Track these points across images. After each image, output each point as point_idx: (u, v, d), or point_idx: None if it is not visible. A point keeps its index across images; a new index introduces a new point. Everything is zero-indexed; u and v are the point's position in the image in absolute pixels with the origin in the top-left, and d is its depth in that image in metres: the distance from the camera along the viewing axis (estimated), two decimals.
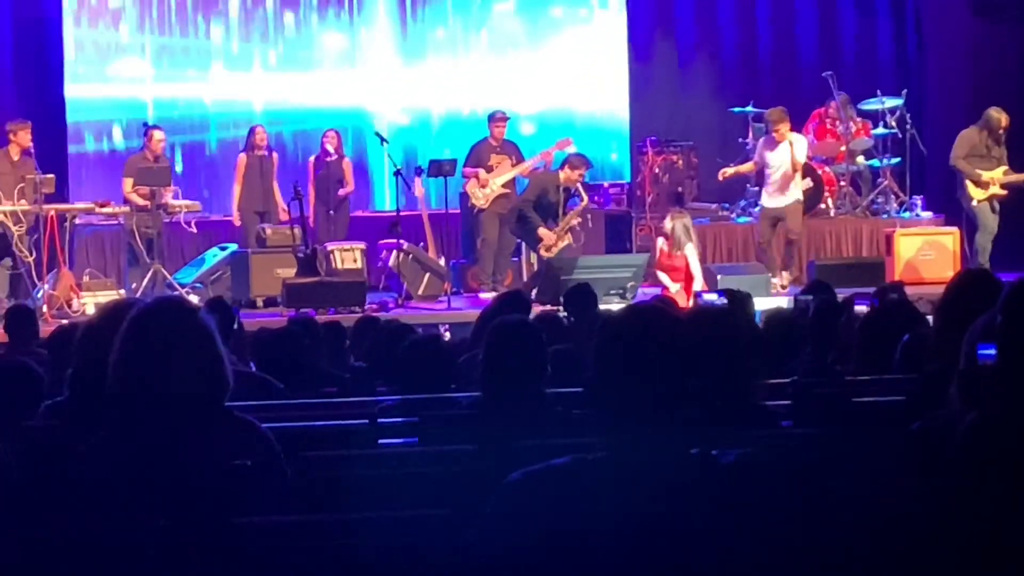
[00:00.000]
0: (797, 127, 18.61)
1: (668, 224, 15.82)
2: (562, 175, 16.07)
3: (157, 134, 16.28)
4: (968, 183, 16.24)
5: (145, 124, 16.86)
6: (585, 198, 16.33)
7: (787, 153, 16.25)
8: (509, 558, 3.12)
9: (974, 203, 16.26)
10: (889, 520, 3.32)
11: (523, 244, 16.85)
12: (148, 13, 18.92)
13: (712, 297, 10.43)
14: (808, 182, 17.90)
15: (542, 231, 15.93)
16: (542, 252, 16.04)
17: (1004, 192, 16.22)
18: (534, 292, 15.08)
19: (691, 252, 15.64)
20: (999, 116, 16.17)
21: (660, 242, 15.88)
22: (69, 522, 3.93)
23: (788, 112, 16.66)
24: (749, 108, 18.49)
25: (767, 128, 18.04)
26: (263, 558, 3.81)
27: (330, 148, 17.08)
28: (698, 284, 15.40)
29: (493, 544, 3.17)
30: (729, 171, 17.03)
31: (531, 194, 16.11)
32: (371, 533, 4.00)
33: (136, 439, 4.05)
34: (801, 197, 16.61)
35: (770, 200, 16.50)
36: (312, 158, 17.24)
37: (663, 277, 15.70)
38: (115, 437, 4.09)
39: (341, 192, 17.13)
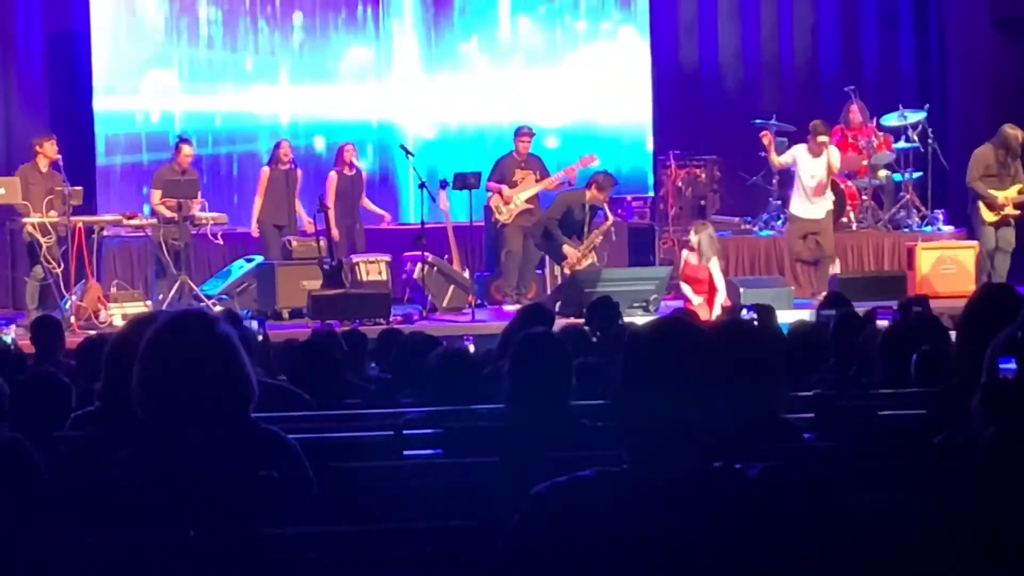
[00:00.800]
0: None
1: (694, 237, 15.78)
2: (588, 194, 16.09)
3: (186, 148, 16.33)
4: (981, 204, 16.16)
5: (179, 136, 16.90)
6: (611, 218, 16.37)
7: (825, 164, 16.26)
8: (537, 570, 3.12)
9: (984, 224, 16.21)
10: (912, 533, 3.32)
11: (547, 257, 16.86)
12: (176, 27, 18.97)
13: (743, 313, 10.44)
14: (830, 195, 17.90)
15: (567, 248, 15.97)
16: (565, 270, 16.08)
17: (1017, 212, 16.12)
18: (558, 305, 15.11)
19: (715, 265, 15.62)
20: (1015, 132, 16.05)
21: (685, 254, 15.85)
22: (98, 531, 3.94)
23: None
24: (772, 122, 18.46)
25: (788, 142, 18.06)
26: (289, 569, 3.81)
27: (350, 161, 17.11)
28: (721, 297, 15.39)
29: (519, 556, 3.17)
30: (767, 139, 16.91)
31: (557, 212, 16.15)
32: (396, 544, 4.01)
33: (164, 450, 4.06)
34: (832, 207, 16.60)
35: (804, 210, 16.44)
36: (332, 172, 17.22)
37: (686, 289, 15.66)
38: (144, 448, 4.10)
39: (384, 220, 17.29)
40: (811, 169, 16.32)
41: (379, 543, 4.03)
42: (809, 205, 16.40)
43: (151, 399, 4.07)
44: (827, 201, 16.52)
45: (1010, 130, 16.11)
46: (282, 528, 3.93)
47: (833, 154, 16.43)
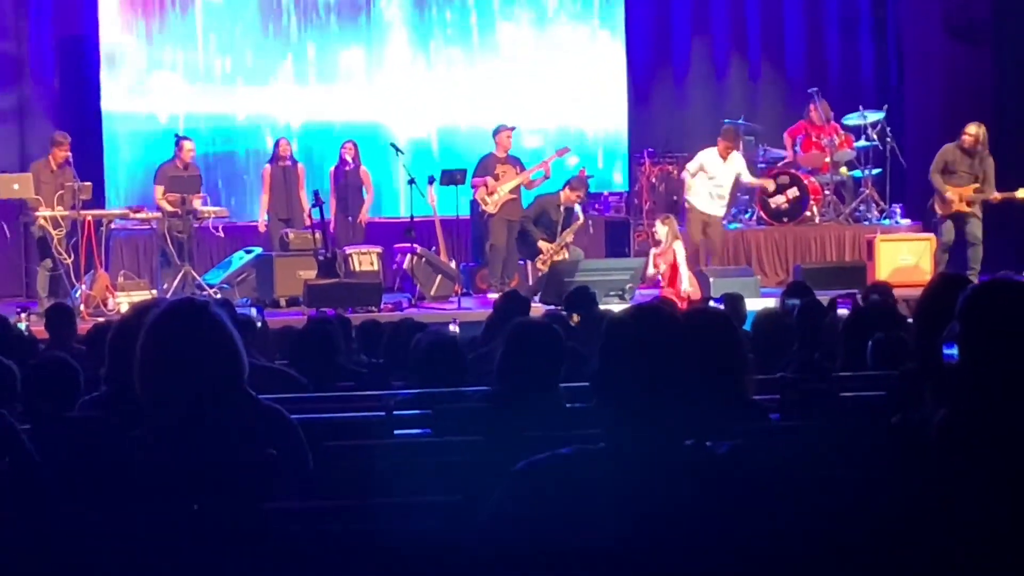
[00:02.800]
0: (783, 140, 18.69)
1: (659, 227, 15.95)
2: (563, 195, 16.43)
3: (187, 144, 16.35)
4: (936, 197, 16.20)
5: (176, 135, 16.93)
6: (581, 218, 16.61)
7: (732, 170, 16.63)
8: (516, 541, 3.14)
9: (939, 215, 16.25)
10: (870, 507, 3.34)
11: None
12: (180, 32, 18.94)
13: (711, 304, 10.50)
14: (795, 190, 17.95)
15: (541, 243, 16.33)
16: (539, 264, 16.23)
17: (968, 208, 16.10)
18: (539, 294, 15.18)
19: (679, 248, 15.74)
20: (971, 130, 16.02)
21: (651, 252, 16.01)
22: (107, 507, 3.95)
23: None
24: (740, 121, 18.50)
25: (755, 141, 18.15)
26: (287, 541, 3.83)
27: (348, 158, 17.10)
28: (685, 283, 15.44)
29: (501, 528, 3.19)
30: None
31: (533, 212, 16.54)
32: (387, 518, 4.02)
33: (166, 428, 4.08)
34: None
35: (706, 206, 16.62)
36: (332, 168, 17.25)
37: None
38: (149, 428, 4.12)
39: (365, 202, 17.22)
40: (717, 171, 16.50)
41: (370, 517, 4.05)
42: (711, 201, 16.57)
43: (152, 381, 4.10)
44: (724, 206, 16.77)
45: (969, 127, 16.06)
46: (281, 502, 3.95)
47: (738, 161, 16.58)
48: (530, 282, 16.59)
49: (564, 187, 16.48)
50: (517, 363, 5.54)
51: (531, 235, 16.36)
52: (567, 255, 16.31)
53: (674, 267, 15.69)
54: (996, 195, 16.02)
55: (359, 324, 10.56)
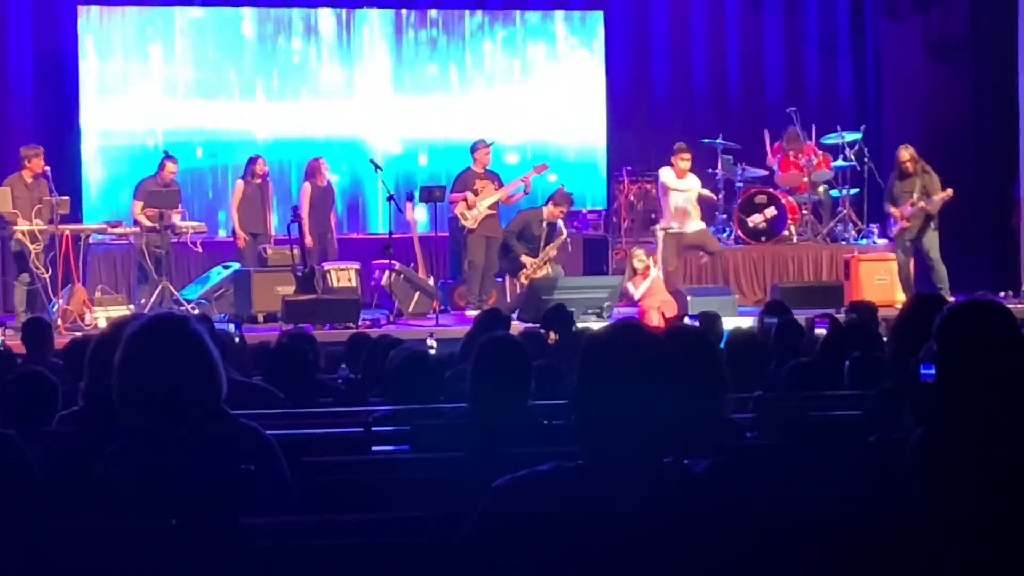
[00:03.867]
0: (763, 159, 18.74)
1: (632, 260, 16.12)
2: (546, 211, 16.47)
3: (170, 165, 16.30)
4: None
5: (164, 152, 16.82)
6: (564, 233, 16.58)
7: (692, 184, 16.80)
8: (495, 557, 3.14)
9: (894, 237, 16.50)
10: (849, 525, 3.36)
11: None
12: (159, 47, 18.93)
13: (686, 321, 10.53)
14: (772, 209, 18.01)
15: (524, 258, 16.31)
16: (522, 279, 16.23)
17: (907, 224, 16.25)
18: (517, 311, 15.17)
19: (654, 274, 15.90)
20: (898, 153, 16.38)
21: (629, 285, 16.12)
22: (85, 522, 3.95)
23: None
24: (719, 141, 18.56)
25: (733, 159, 18.21)
26: (266, 556, 3.83)
27: (322, 174, 17.12)
28: (653, 317, 15.34)
29: (480, 544, 3.20)
30: None
31: (516, 227, 16.50)
32: (366, 534, 4.03)
33: (145, 444, 4.08)
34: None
35: (679, 226, 16.70)
36: (307, 184, 17.20)
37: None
38: (126, 443, 4.11)
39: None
40: (680, 186, 16.59)
41: (349, 532, 4.05)
42: (684, 220, 16.64)
43: (130, 395, 4.10)
44: (698, 220, 16.83)
45: (898, 151, 16.36)
46: (259, 518, 3.95)
47: (693, 180, 16.76)
48: (508, 299, 16.59)
49: (547, 202, 16.52)
50: (485, 377, 5.58)
51: (514, 250, 16.32)
52: (549, 270, 16.32)
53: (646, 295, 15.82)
54: (924, 204, 16.14)
55: (348, 338, 10.54)
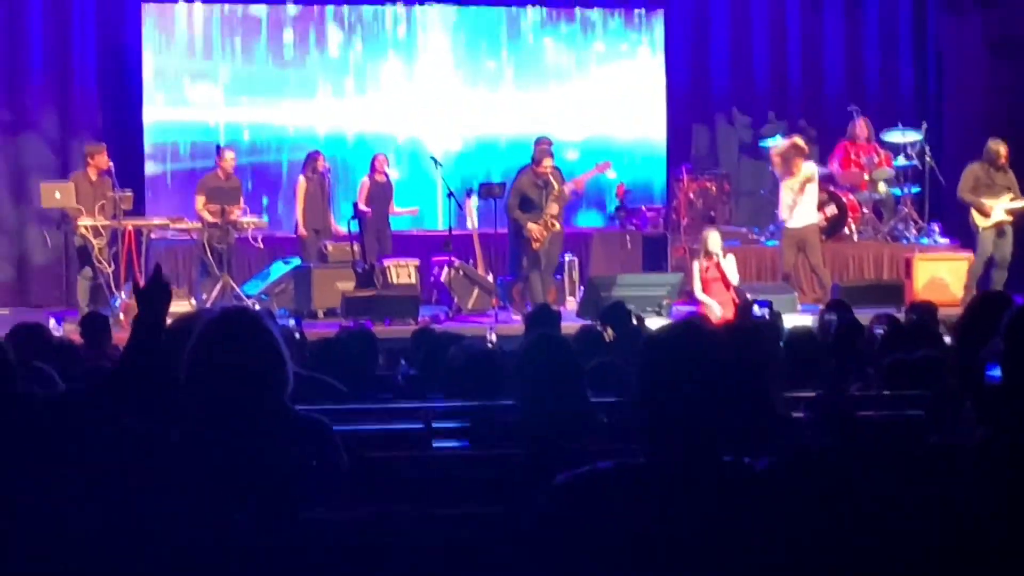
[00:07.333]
0: (825, 158, 18.64)
1: (707, 242, 15.59)
2: (534, 171, 15.98)
3: (228, 154, 16.47)
4: (974, 212, 16.21)
5: (217, 145, 17.03)
6: (556, 184, 16.02)
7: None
8: (556, 553, 3.16)
9: (980, 231, 16.23)
10: (909, 525, 3.35)
11: (565, 263, 16.93)
12: (221, 43, 19.05)
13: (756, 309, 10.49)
14: (833, 208, 17.92)
15: (530, 226, 15.84)
16: (535, 246, 15.90)
17: (1010, 218, 16.16)
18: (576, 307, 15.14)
19: (730, 263, 15.53)
20: (996, 147, 16.14)
21: (696, 266, 15.67)
22: (153, 513, 3.99)
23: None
24: (779, 139, 18.48)
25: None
26: (327, 549, 3.86)
27: (381, 170, 17.20)
28: (716, 309, 15.06)
29: (541, 540, 3.21)
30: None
31: (513, 198, 16.00)
32: (426, 528, 4.04)
33: (212, 436, 4.11)
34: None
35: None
36: (365, 178, 17.29)
37: (707, 300, 15.41)
38: (193, 435, 4.15)
39: (400, 211, 17.40)
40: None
41: (409, 527, 4.07)
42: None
43: (200, 385, 4.13)
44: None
45: (993, 145, 16.19)
46: (320, 510, 3.97)
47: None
48: (567, 295, 16.59)
49: (532, 162, 16.07)
50: (532, 376, 5.58)
51: (519, 220, 15.90)
52: (557, 227, 15.99)
53: (726, 282, 15.40)
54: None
55: (412, 333, 10.54)
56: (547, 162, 15.97)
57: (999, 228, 16.13)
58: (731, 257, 15.59)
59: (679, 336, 3.29)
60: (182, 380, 4.17)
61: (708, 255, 15.46)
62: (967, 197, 16.18)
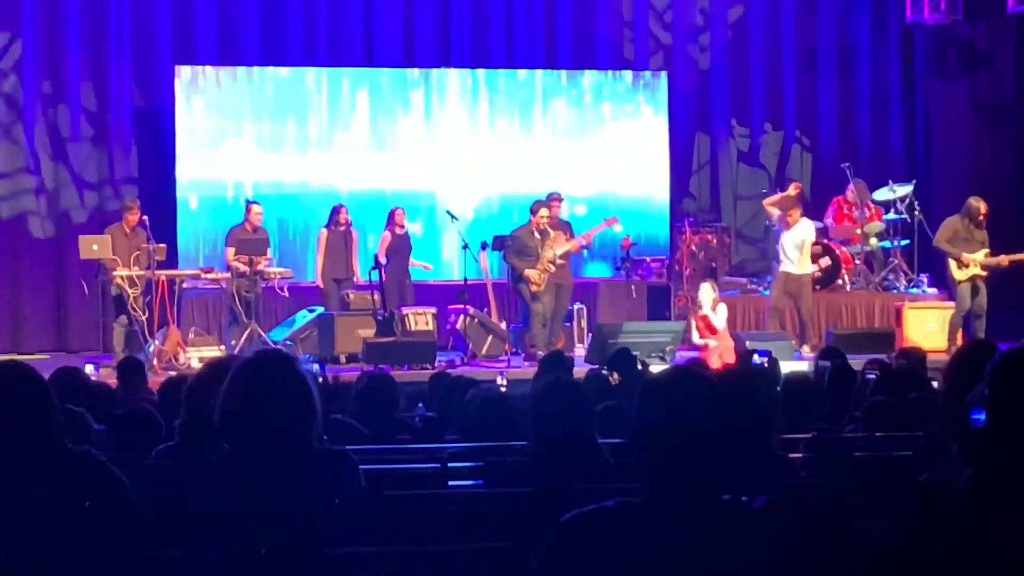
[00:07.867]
0: (819, 213, 18.66)
1: (699, 294, 15.93)
2: (533, 221, 16.14)
3: (256, 207, 16.53)
4: (951, 263, 16.24)
5: (246, 199, 17.11)
6: (551, 232, 16.12)
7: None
8: None
9: (957, 284, 16.25)
10: (900, 561, 3.35)
11: (575, 311, 16.97)
12: (248, 104, 19.13)
13: (755, 358, 10.50)
14: (827, 260, 17.94)
15: (527, 271, 15.95)
16: (533, 289, 15.95)
17: (984, 273, 16.15)
18: (584, 354, 15.16)
19: (721, 312, 15.73)
20: (977, 204, 16.15)
21: (691, 316, 15.93)
22: (179, 549, 3.99)
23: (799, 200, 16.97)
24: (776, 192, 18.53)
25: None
26: None
27: (400, 223, 17.25)
28: (713, 358, 15.17)
29: (552, 574, 3.21)
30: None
31: (514, 248, 16.18)
32: (441, 563, 4.04)
33: (242, 474, 4.10)
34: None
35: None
36: (386, 232, 17.33)
37: (705, 342, 15.64)
38: (223, 473, 4.15)
39: (416, 263, 17.42)
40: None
41: (425, 562, 4.07)
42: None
43: (234, 427, 4.11)
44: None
45: (974, 202, 16.21)
46: (344, 546, 3.97)
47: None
48: (576, 342, 16.60)
49: (531, 214, 16.22)
50: (544, 418, 5.59)
51: (516, 269, 16.06)
52: (553, 271, 16.06)
53: (711, 329, 15.67)
54: (1004, 259, 16.06)
55: (430, 376, 10.56)
56: (543, 212, 16.11)
57: (973, 283, 16.14)
58: (722, 307, 15.79)
59: (674, 379, 3.30)
60: (216, 418, 4.16)
61: (699, 306, 15.83)
62: (944, 247, 16.25)
